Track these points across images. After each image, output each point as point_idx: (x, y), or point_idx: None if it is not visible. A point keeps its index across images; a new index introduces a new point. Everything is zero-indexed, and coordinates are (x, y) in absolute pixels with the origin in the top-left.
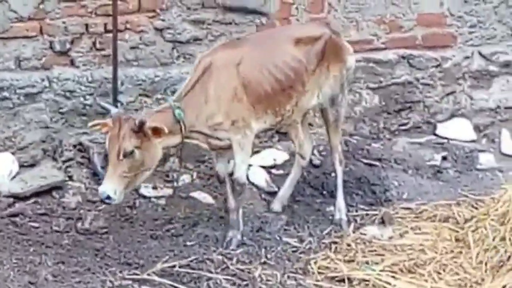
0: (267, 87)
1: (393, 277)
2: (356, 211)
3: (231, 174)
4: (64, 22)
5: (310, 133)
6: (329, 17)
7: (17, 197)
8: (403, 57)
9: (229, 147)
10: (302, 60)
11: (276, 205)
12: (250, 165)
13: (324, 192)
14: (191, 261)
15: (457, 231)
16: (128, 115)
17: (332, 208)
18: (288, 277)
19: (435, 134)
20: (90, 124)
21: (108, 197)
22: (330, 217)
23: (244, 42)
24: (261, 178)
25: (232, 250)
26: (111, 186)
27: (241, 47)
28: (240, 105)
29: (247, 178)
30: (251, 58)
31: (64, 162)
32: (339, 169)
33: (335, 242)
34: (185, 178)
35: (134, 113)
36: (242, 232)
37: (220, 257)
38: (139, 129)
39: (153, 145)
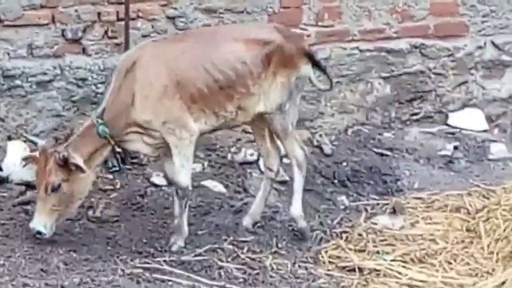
0: (202, 86)
1: (404, 266)
2: (367, 200)
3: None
4: (76, 10)
5: (277, 144)
6: (341, 6)
7: (29, 185)
8: (415, 47)
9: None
10: (247, 62)
11: (247, 221)
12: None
13: (335, 181)
14: (202, 250)
15: (468, 221)
16: (53, 148)
17: (343, 197)
18: (299, 266)
19: (446, 124)
20: (22, 157)
21: (39, 232)
22: (342, 207)
23: (183, 37)
24: None
25: (174, 255)
26: (41, 221)
27: (177, 43)
28: (171, 104)
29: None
30: (186, 55)
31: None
32: (298, 176)
33: (346, 232)
34: (197, 167)
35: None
36: (185, 238)
37: (231, 246)
38: (64, 163)
39: (86, 173)
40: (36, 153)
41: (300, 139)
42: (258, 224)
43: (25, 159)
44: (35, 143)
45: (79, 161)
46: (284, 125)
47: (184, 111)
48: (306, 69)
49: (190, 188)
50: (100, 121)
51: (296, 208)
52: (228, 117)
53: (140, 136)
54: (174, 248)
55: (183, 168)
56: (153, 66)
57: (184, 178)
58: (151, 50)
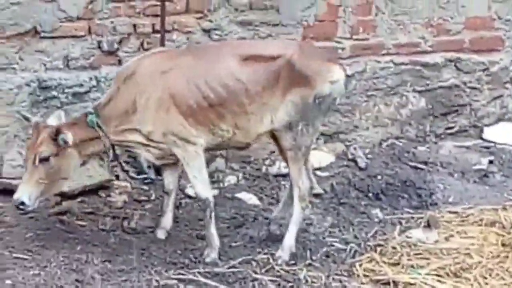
0: (192, 101)
1: (438, 281)
2: (402, 214)
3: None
4: (112, 22)
5: (309, 168)
6: (376, 20)
7: (64, 196)
8: (450, 61)
9: (174, 158)
10: (242, 79)
11: (273, 227)
12: None
13: (370, 195)
14: (236, 261)
15: (503, 236)
16: (45, 124)
17: (377, 210)
18: (333, 279)
19: (481, 138)
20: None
21: (23, 203)
22: (376, 220)
23: (183, 51)
24: None
25: (208, 267)
26: (26, 192)
27: (176, 56)
28: (167, 116)
29: None
30: (181, 69)
31: (111, 161)
32: (297, 207)
33: (380, 245)
34: (231, 179)
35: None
36: (219, 250)
37: (265, 258)
38: (56, 136)
39: (70, 153)
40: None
41: (311, 168)
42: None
43: (28, 138)
44: (28, 119)
45: (69, 137)
46: (294, 145)
47: (182, 124)
48: (326, 87)
49: (211, 199)
50: (91, 110)
51: (287, 241)
52: (225, 136)
53: (145, 147)
54: (207, 260)
55: (196, 179)
56: (150, 78)
57: (201, 189)
58: (149, 62)
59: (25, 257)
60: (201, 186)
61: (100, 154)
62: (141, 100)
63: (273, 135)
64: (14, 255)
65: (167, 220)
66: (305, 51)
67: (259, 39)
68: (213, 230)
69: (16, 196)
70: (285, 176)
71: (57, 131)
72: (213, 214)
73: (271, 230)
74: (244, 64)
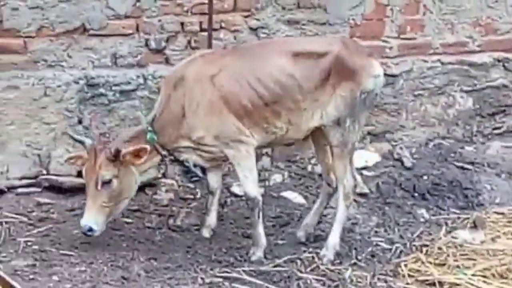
0: (246, 101)
1: (484, 282)
2: (448, 214)
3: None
4: (160, 20)
5: (353, 166)
6: (424, 19)
7: None
8: (499, 60)
9: (224, 159)
10: (295, 75)
11: (300, 233)
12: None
13: (415, 195)
14: (282, 260)
15: None
16: (103, 145)
17: (423, 210)
18: (378, 279)
19: None
20: (66, 157)
21: (90, 229)
22: (422, 220)
23: (229, 52)
24: None
25: (254, 265)
26: (92, 218)
27: (222, 57)
28: (220, 119)
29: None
30: (231, 70)
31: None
32: (342, 205)
33: (426, 245)
34: (277, 178)
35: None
36: (265, 249)
37: (310, 257)
38: (115, 158)
39: (131, 172)
40: (81, 153)
41: (353, 166)
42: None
43: (70, 158)
44: (82, 142)
45: (130, 149)
46: (342, 141)
47: (236, 125)
48: (371, 82)
49: (260, 198)
50: (150, 128)
51: (333, 239)
52: (278, 133)
53: (194, 152)
54: (253, 259)
55: (247, 179)
56: (198, 82)
57: (250, 189)
58: (197, 65)
59: (72, 253)
60: (251, 186)
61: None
62: (191, 106)
63: (312, 133)
64: (61, 251)
65: (212, 219)
66: (349, 46)
67: (302, 36)
68: (260, 229)
69: (83, 222)
70: None
71: (116, 152)
72: (261, 213)
73: (298, 237)
74: (295, 61)
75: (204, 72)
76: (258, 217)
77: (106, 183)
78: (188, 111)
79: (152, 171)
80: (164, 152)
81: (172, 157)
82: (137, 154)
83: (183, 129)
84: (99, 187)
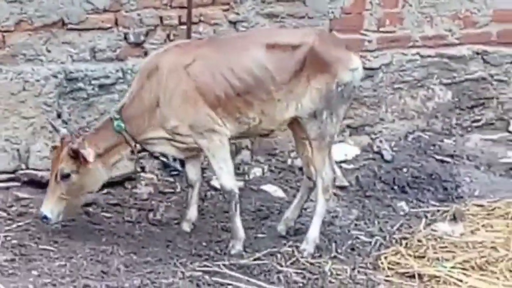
0: (219, 92)
1: (464, 274)
2: (427, 207)
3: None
4: (139, 14)
5: (332, 158)
6: (403, 12)
7: None
8: (478, 53)
9: (199, 149)
10: (268, 67)
11: (280, 227)
12: None
13: (395, 187)
14: (261, 254)
15: None
16: (69, 138)
17: (403, 203)
18: (358, 272)
19: (508, 131)
20: (51, 146)
21: (46, 217)
22: (401, 213)
23: (203, 42)
24: None
25: (234, 259)
26: (49, 207)
27: (197, 48)
28: (194, 109)
29: None
30: (205, 60)
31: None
32: (321, 199)
33: (406, 238)
34: (256, 171)
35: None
36: (244, 242)
37: (290, 250)
38: (75, 155)
39: (93, 168)
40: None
41: (332, 160)
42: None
43: (54, 147)
44: (57, 131)
45: (88, 154)
46: (319, 134)
47: (209, 114)
48: (348, 75)
49: (236, 191)
50: (116, 116)
51: (313, 232)
52: (251, 123)
53: (169, 142)
54: (233, 252)
55: (222, 170)
56: (173, 71)
57: (226, 181)
58: (172, 55)
59: (51, 248)
60: (226, 177)
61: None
62: (165, 95)
63: (291, 126)
64: (40, 246)
65: (192, 213)
66: (325, 39)
67: (276, 27)
68: (238, 222)
69: (40, 210)
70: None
71: (75, 150)
72: (238, 206)
73: (278, 230)
74: (269, 52)
75: (178, 62)
76: (236, 209)
77: (65, 176)
78: (163, 100)
79: (129, 164)
80: (133, 143)
81: (145, 151)
82: (73, 155)
83: (155, 119)
84: (58, 179)
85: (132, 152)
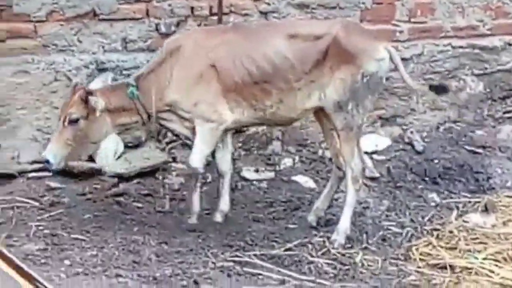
0: (237, 78)
1: (496, 265)
2: (459, 198)
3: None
4: (170, 5)
5: (361, 149)
6: (434, 3)
7: (122, 177)
8: (509, 44)
9: None
10: (289, 56)
11: (311, 217)
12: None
13: (426, 179)
14: (292, 244)
15: None
16: (82, 85)
17: (434, 194)
18: (390, 263)
19: None
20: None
21: (48, 161)
22: (433, 204)
23: (229, 29)
24: None
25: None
26: (52, 151)
27: (222, 33)
28: (206, 88)
29: None
30: (227, 46)
31: (167, 143)
32: (351, 189)
33: (437, 229)
34: (287, 162)
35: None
36: (196, 215)
37: (321, 241)
38: (87, 99)
39: (100, 119)
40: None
41: (361, 150)
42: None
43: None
44: (70, 79)
45: (97, 101)
46: (346, 125)
47: (219, 97)
48: (373, 65)
49: (201, 171)
50: (132, 83)
51: (343, 223)
52: (268, 111)
53: (181, 121)
54: (186, 225)
55: (198, 149)
56: (194, 52)
57: (195, 160)
58: (196, 37)
59: (83, 238)
60: (198, 157)
61: (138, 127)
62: (182, 69)
63: (319, 117)
64: (72, 236)
65: (225, 203)
66: (349, 29)
67: (303, 18)
68: (195, 198)
69: (44, 153)
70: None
71: (88, 94)
72: (198, 184)
73: (309, 221)
74: (291, 42)
75: (201, 44)
76: (195, 186)
77: (74, 121)
78: (177, 76)
79: (161, 155)
80: (145, 115)
81: (175, 141)
82: (84, 100)
83: (165, 95)
84: (66, 124)
85: (143, 123)
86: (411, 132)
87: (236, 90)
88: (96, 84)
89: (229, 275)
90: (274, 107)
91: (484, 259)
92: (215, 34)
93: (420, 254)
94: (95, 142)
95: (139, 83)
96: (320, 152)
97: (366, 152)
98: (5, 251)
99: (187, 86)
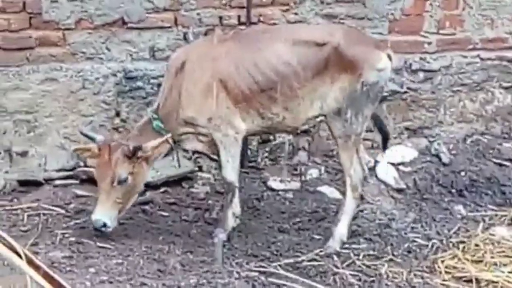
0: (244, 87)
1: None
2: (485, 211)
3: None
4: (198, 14)
5: (362, 157)
6: (463, 14)
7: (148, 186)
8: None
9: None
10: (293, 63)
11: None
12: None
13: (453, 191)
14: (318, 255)
15: None
16: (117, 142)
17: (460, 206)
18: (415, 275)
19: None
20: (73, 148)
21: (104, 225)
22: (459, 216)
23: (232, 37)
24: (389, 175)
25: (215, 246)
26: (106, 214)
27: (225, 42)
28: (216, 102)
29: (375, 174)
30: (231, 55)
31: (194, 152)
32: (349, 197)
33: (463, 242)
34: (313, 172)
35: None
36: (228, 233)
37: (346, 252)
38: (133, 155)
39: (143, 167)
40: (90, 146)
41: (362, 158)
42: (374, 232)
43: (78, 149)
44: (92, 138)
45: (146, 148)
46: (344, 132)
47: (230, 108)
48: (373, 75)
49: (236, 184)
50: (154, 116)
51: (340, 230)
52: (274, 119)
53: (195, 137)
54: (215, 240)
55: (228, 163)
56: (199, 65)
57: (229, 174)
58: (199, 50)
59: (108, 246)
60: (230, 171)
61: None
62: (188, 85)
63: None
64: (98, 244)
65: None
66: (351, 37)
67: (304, 24)
68: (229, 213)
69: (95, 217)
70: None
71: (135, 149)
72: (234, 199)
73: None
74: (295, 49)
75: (206, 55)
76: (231, 201)
77: (124, 180)
78: (185, 92)
79: (188, 164)
80: (171, 141)
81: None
82: (157, 146)
83: (179, 113)
84: (115, 184)
85: (172, 149)
86: (438, 144)
87: (245, 99)
88: (99, 138)
89: (253, 286)
90: (280, 115)
91: (510, 272)
92: (218, 44)
93: (446, 267)
94: (139, 191)
95: (159, 114)
96: None
97: (392, 164)
98: (33, 257)
99: (197, 102)
